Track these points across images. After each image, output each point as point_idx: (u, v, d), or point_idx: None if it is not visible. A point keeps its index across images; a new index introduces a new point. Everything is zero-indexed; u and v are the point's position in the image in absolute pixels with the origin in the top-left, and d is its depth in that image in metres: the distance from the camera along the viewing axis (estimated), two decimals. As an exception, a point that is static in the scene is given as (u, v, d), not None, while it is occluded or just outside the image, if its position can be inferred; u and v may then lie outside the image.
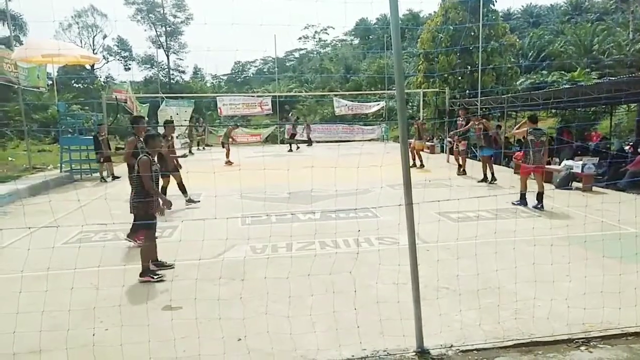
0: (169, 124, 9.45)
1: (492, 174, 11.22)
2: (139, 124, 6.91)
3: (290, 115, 29.04)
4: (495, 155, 14.53)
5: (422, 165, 14.15)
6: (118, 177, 12.84)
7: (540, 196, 8.32)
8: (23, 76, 14.25)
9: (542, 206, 8.25)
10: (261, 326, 3.78)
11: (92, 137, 13.33)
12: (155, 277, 5.16)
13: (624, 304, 3.97)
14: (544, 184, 8.58)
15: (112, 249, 6.15)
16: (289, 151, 21.24)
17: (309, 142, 24.85)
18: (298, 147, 22.38)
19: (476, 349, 3.54)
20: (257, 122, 32.32)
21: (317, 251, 5.96)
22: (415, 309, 3.56)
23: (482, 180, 11.28)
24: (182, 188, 9.08)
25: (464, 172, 12.69)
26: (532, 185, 8.51)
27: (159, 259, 5.50)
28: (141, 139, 6.45)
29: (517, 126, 9.94)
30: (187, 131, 22.16)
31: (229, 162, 16.22)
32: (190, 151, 20.29)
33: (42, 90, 16.37)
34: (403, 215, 3.59)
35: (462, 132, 12.76)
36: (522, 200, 8.54)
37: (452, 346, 3.59)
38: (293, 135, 23.33)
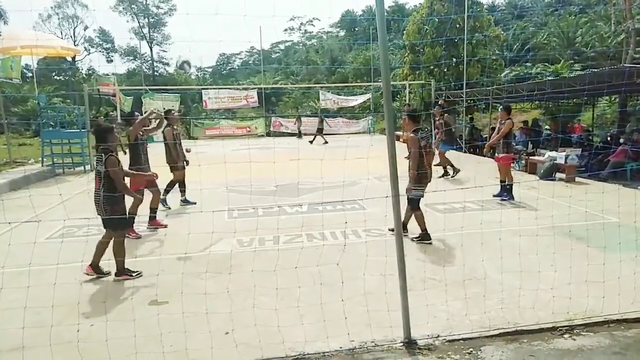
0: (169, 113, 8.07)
1: (453, 167, 10.82)
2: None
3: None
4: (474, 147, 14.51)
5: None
6: None
7: (502, 186, 8.38)
8: None
9: (502, 196, 8.32)
10: (249, 319, 3.76)
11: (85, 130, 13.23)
12: (135, 273, 5.04)
13: (607, 292, 4.03)
14: (526, 175, 8.65)
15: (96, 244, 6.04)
16: (310, 142, 21.22)
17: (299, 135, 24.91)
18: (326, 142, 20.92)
19: (462, 339, 3.58)
20: (243, 114, 32.09)
21: (305, 244, 5.96)
22: (402, 300, 3.57)
23: (442, 175, 10.81)
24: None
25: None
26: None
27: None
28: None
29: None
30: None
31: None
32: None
33: (15, 81, 15.94)
34: (390, 207, 3.60)
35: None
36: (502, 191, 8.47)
37: (438, 336, 3.62)
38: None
